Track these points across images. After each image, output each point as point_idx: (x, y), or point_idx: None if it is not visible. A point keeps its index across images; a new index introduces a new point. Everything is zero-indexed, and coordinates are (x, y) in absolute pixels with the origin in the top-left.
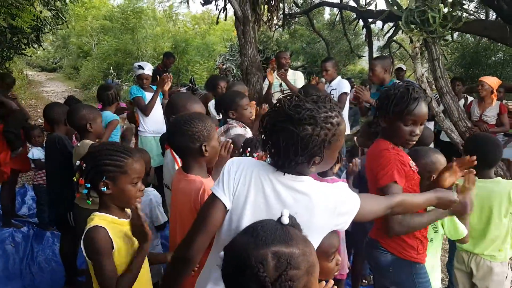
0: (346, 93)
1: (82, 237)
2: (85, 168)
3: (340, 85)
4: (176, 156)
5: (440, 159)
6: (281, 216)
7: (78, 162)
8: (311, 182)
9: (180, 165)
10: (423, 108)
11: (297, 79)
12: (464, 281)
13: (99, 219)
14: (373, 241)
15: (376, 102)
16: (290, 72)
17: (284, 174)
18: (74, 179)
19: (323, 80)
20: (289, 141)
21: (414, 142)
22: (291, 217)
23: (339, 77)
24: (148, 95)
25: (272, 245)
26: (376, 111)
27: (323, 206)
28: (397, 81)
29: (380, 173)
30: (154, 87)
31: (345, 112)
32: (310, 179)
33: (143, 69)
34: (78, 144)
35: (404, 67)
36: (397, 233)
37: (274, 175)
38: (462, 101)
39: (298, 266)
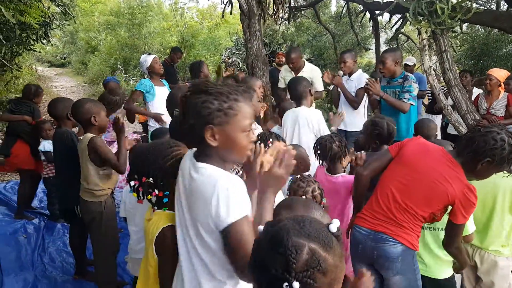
0: (363, 88)
1: (157, 234)
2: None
3: (360, 80)
4: None
5: None
6: (331, 223)
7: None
8: (207, 170)
9: None
10: None
11: (314, 76)
12: (469, 274)
13: (167, 217)
14: (377, 233)
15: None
16: (307, 69)
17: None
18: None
19: (341, 72)
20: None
21: None
22: (338, 229)
23: (359, 71)
24: (157, 89)
25: (313, 241)
26: (473, 152)
27: (200, 195)
28: (408, 74)
29: (468, 214)
30: (163, 81)
31: (361, 107)
32: (209, 167)
33: (153, 54)
34: (81, 138)
35: (410, 62)
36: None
37: (192, 161)
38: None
39: (325, 272)
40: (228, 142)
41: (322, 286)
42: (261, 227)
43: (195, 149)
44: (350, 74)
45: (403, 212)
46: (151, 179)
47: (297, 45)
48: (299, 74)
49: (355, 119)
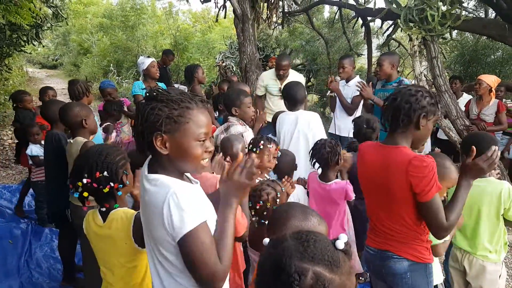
0: (359, 96)
1: (132, 224)
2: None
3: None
4: None
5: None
6: (337, 239)
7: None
8: (159, 180)
9: None
10: None
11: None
12: (459, 279)
13: (124, 211)
14: (383, 252)
15: (396, 107)
16: (293, 76)
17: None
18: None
19: (338, 78)
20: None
21: None
22: (346, 244)
23: (357, 77)
24: None
25: (318, 264)
26: (397, 115)
27: (153, 207)
28: (403, 79)
29: (426, 189)
30: (162, 84)
31: (356, 114)
32: (161, 177)
33: (151, 58)
34: (71, 141)
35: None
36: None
37: (144, 172)
38: (460, 99)
39: None
40: (179, 151)
41: None
42: (266, 240)
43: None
44: (347, 80)
45: (395, 225)
46: (105, 173)
47: (290, 50)
48: (285, 83)
49: (349, 125)
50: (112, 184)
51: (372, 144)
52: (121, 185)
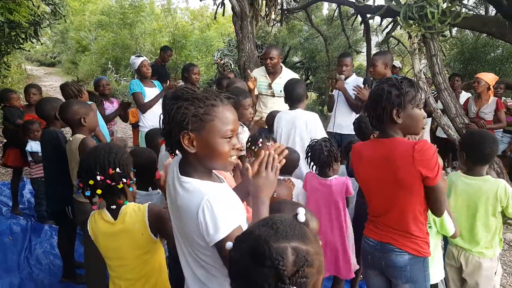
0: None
1: (147, 216)
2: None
3: (356, 83)
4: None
5: None
6: (298, 214)
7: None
8: (192, 185)
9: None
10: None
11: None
12: (454, 276)
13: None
14: (384, 244)
15: (372, 106)
16: (286, 74)
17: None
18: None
19: (342, 76)
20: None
21: None
22: (305, 216)
23: (354, 75)
24: (147, 90)
25: (292, 240)
26: (377, 113)
27: (187, 212)
28: (397, 76)
29: (435, 171)
30: (155, 82)
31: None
32: (194, 182)
33: (142, 56)
34: (71, 139)
35: (396, 64)
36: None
37: (177, 172)
38: (460, 98)
39: (312, 264)
40: (207, 149)
41: (313, 278)
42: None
43: (180, 156)
44: (346, 78)
45: (398, 219)
46: (117, 169)
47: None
48: (277, 79)
49: (350, 123)
50: (125, 180)
51: (367, 142)
52: (132, 181)
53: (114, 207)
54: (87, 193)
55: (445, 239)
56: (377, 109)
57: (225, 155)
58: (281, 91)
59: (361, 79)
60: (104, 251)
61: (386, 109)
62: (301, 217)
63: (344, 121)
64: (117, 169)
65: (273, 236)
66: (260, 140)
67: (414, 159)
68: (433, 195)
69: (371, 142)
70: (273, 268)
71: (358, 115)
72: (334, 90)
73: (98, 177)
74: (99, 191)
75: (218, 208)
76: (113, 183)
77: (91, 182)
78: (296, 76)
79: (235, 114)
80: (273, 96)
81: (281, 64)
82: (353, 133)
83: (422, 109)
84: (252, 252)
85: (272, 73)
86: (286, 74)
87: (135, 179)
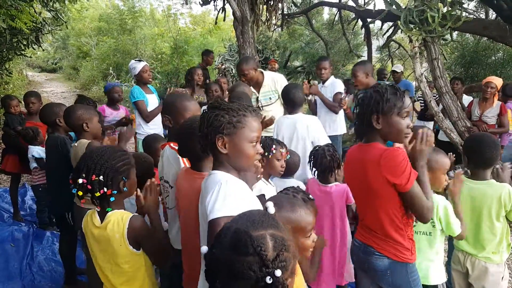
0: (340, 92)
1: (127, 227)
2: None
3: (334, 85)
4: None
5: (439, 159)
6: (267, 207)
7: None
8: (217, 173)
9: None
10: (409, 100)
11: (281, 86)
12: (460, 281)
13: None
14: (366, 246)
15: (356, 110)
16: (269, 81)
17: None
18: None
19: (315, 82)
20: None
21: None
22: (273, 208)
23: (332, 77)
24: (149, 97)
25: (268, 228)
26: (360, 118)
27: (207, 188)
28: (381, 82)
29: (403, 178)
30: (150, 87)
31: (341, 112)
32: (221, 172)
33: (143, 61)
34: (76, 144)
35: (398, 69)
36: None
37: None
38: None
39: (288, 249)
40: (236, 151)
41: (291, 262)
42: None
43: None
44: (323, 82)
45: (378, 223)
46: (101, 177)
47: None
48: (262, 90)
49: (334, 124)
50: (105, 189)
51: (356, 146)
52: (116, 191)
53: (98, 209)
54: (73, 190)
55: (450, 244)
56: (359, 114)
57: (251, 157)
58: (270, 99)
59: (338, 81)
60: (92, 251)
61: (366, 114)
62: (271, 209)
63: (327, 122)
64: (101, 177)
65: (251, 227)
66: (274, 147)
67: (379, 165)
68: (408, 201)
69: (358, 146)
70: (256, 255)
71: (337, 114)
72: (310, 95)
73: (81, 180)
74: (80, 193)
75: (226, 192)
76: (92, 190)
77: (78, 181)
78: (279, 78)
79: (260, 124)
80: (261, 109)
81: (261, 70)
82: (335, 133)
83: (406, 118)
84: (234, 244)
85: (254, 85)
86: (268, 80)
87: (125, 188)
